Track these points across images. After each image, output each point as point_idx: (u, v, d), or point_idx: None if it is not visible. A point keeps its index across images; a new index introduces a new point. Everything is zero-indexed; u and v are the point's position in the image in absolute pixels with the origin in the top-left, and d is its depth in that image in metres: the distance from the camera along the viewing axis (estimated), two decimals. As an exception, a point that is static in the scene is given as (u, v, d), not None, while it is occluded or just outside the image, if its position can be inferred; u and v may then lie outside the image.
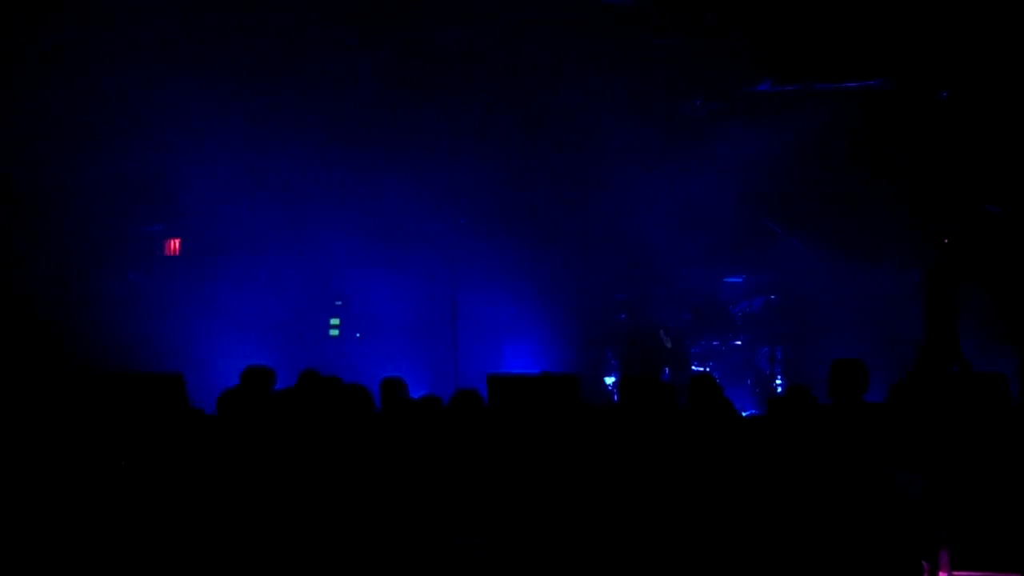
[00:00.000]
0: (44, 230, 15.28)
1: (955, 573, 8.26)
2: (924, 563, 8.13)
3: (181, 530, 7.93)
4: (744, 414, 11.47)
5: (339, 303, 16.37)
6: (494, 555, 7.71)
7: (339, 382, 9.07)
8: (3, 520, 8.03)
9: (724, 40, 15.16)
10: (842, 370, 8.63)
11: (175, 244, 16.43)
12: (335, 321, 16.37)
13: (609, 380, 15.47)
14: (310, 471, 8.04)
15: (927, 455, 8.49)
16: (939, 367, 12.05)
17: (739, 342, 15.42)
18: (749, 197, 15.58)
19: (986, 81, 14.49)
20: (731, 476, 7.85)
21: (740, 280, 15.76)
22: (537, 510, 7.84)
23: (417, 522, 7.79)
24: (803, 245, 15.60)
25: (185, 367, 11.32)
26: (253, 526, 7.86)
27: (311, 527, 7.84)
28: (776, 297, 15.55)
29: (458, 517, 7.83)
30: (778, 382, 15.22)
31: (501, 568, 7.71)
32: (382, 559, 7.74)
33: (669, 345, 15.20)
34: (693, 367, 15.26)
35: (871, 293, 14.62)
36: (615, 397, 14.40)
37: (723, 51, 15.29)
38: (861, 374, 8.62)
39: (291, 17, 15.31)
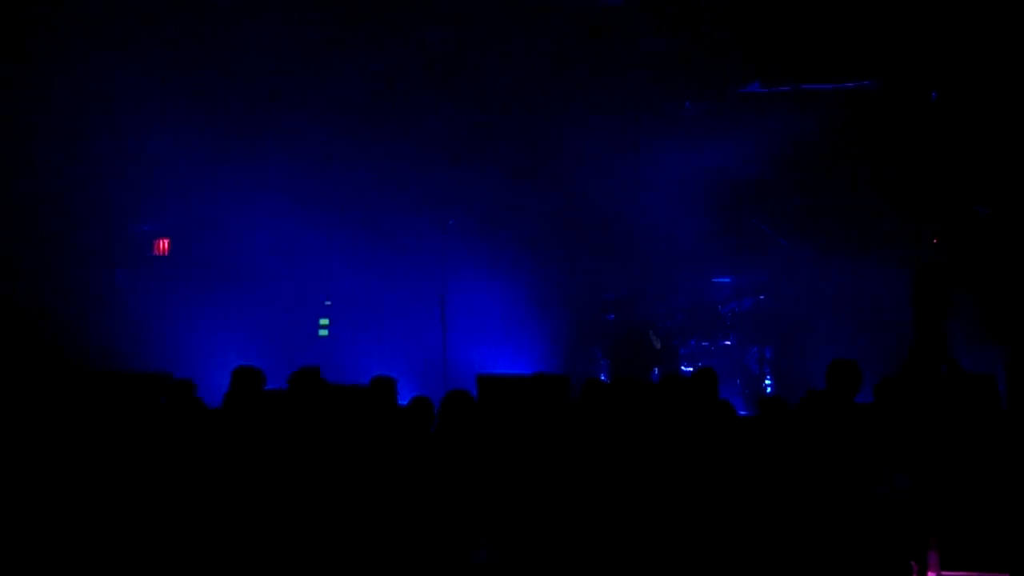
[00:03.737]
0: (33, 230, 15.24)
1: (944, 573, 8.26)
2: (913, 563, 8.13)
3: (177, 529, 7.91)
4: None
5: (328, 303, 16.35)
6: (489, 558, 7.71)
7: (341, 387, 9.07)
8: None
9: (713, 41, 15.18)
10: (838, 371, 8.65)
11: (164, 244, 16.39)
12: (324, 321, 16.35)
13: (599, 380, 15.46)
14: (301, 471, 8.03)
15: (916, 455, 8.49)
16: (928, 367, 12.05)
17: (729, 342, 15.43)
18: (738, 198, 15.60)
19: (976, 81, 14.51)
20: (721, 476, 7.85)
21: (729, 280, 15.77)
22: (529, 510, 7.83)
23: (410, 523, 7.78)
24: (792, 245, 15.61)
25: (173, 367, 11.33)
26: (247, 526, 7.85)
27: (304, 528, 7.83)
28: (766, 297, 15.56)
29: (452, 518, 7.82)
30: (767, 382, 15.22)
31: (496, 570, 7.70)
32: (373, 560, 7.73)
33: (658, 345, 15.20)
34: (682, 367, 15.26)
35: (860, 293, 14.63)
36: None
37: (712, 52, 15.31)
38: (855, 374, 8.65)
39: (282, 19, 15.29)
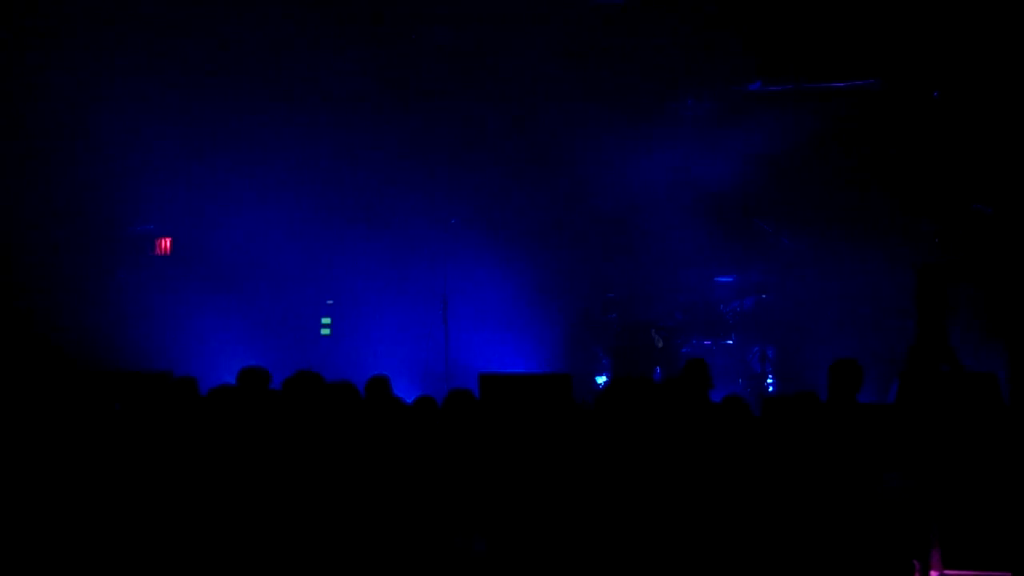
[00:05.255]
0: (35, 229, 15.25)
1: (946, 572, 8.27)
2: (915, 562, 8.14)
3: (179, 527, 7.92)
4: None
5: (330, 302, 16.36)
6: (488, 555, 7.72)
7: (322, 380, 9.01)
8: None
9: (715, 40, 15.18)
10: (840, 370, 8.65)
11: (166, 243, 16.40)
12: (326, 320, 16.36)
13: (600, 379, 15.46)
14: (303, 471, 8.03)
15: (918, 454, 8.50)
16: (930, 366, 12.06)
17: (730, 341, 15.41)
18: (740, 196, 15.61)
19: (977, 80, 14.51)
20: (724, 476, 7.85)
21: (731, 279, 15.75)
22: (531, 509, 7.84)
23: (411, 522, 7.78)
24: (794, 244, 15.61)
25: (175, 366, 11.33)
26: (249, 526, 7.86)
27: (306, 527, 7.83)
28: (767, 296, 15.56)
29: (453, 517, 7.83)
30: (769, 381, 15.22)
31: (495, 568, 7.71)
32: (376, 559, 7.74)
33: (660, 344, 15.19)
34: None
35: (862, 292, 14.64)
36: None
37: (714, 51, 15.31)
38: (856, 373, 8.65)
39: (283, 19, 15.31)
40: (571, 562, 7.67)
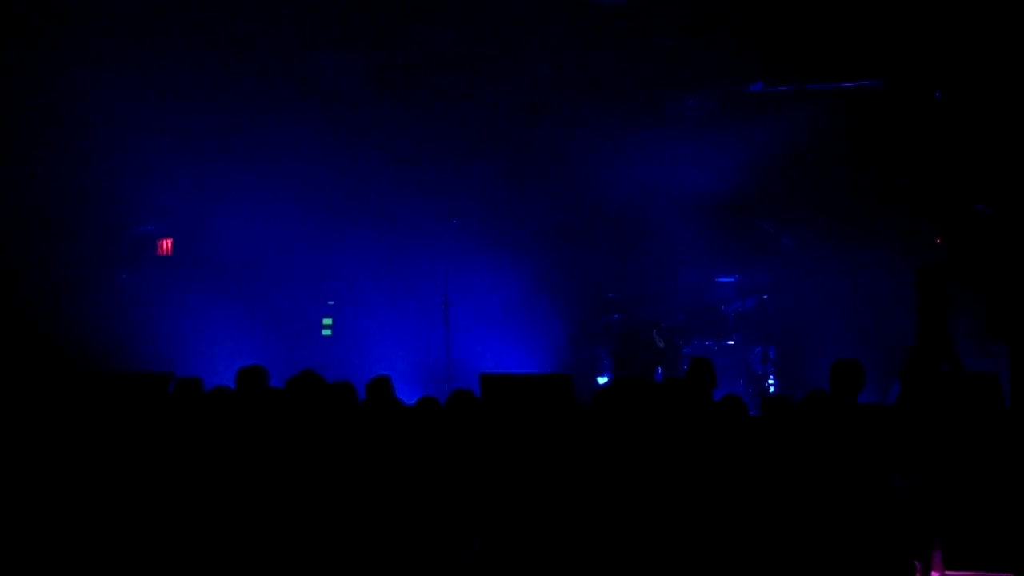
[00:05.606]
0: (36, 229, 15.26)
1: (948, 573, 8.27)
2: (916, 563, 8.14)
3: (175, 528, 7.92)
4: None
5: (331, 303, 16.36)
6: (490, 554, 7.72)
7: (323, 380, 9.02)
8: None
9: (716, 40, 15.18)
10: (841, 370, 8.66)
11: (167, 244, 16.41)
12: (327, 321, 16.36)
13: (602, 380, 15.46)
14: (303, 471, 8.03)
15: (920, 454, 8.50)
16: (931, 366, 12.07)
17: (732, 342, 15.41)
18: (742, 197, 15.61)
19: (979, 81, 14.51)
20: (725, 476, 7.85)
21: (733, 280, 15.75)
22: (532, 510, 7.84)
23: (412, 522, 7.79)
24: (795, 245, 15.62)
25: (176, 366, 11.35)
26: (250, 527, 7.86)
27: (307, 528, 7.84)
28: (769, 297, 15.55)
29: (454, 517, 7.83)
30: (771, 382, 15.22)
31: (496, 569, 7.71)
32: (377, 559, 7.74)
33: (662, 345, 15.19)
34: (685, 367, 15.23)
35: (863, 293, 14.64)
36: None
37: (715, 51, 15.31)
38: (858, 373, 8.65)
39: (284, 18, 15.31)
40: (571, 563, 7.67)
